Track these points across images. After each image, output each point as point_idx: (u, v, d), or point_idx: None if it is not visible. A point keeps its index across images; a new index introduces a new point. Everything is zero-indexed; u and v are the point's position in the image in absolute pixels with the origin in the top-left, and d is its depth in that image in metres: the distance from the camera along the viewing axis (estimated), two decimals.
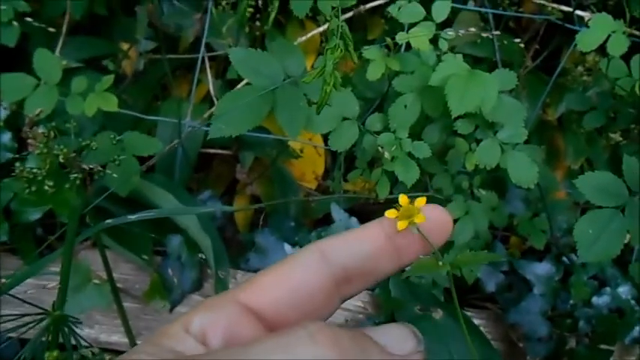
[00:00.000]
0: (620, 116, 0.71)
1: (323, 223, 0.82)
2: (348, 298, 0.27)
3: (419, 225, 0.26)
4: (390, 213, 0.26)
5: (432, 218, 0.26)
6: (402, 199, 0.26)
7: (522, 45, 0.84)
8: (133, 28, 0.84)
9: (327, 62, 0.39)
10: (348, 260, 0.26)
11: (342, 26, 0.39)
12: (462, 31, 0.61)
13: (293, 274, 0.26)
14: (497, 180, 0.81)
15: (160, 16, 0.86)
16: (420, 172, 0.55)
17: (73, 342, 0.44)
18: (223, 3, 0.78)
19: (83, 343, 0.44)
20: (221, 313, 0.25)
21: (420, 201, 0.26)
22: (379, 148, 0.50)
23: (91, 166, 0.44)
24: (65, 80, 0.64)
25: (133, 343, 0.61)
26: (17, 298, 0.46)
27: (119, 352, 0.69)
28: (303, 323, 0.22)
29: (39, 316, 0.43)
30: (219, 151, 0.94)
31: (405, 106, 0.51)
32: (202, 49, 0.73)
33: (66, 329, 0.43)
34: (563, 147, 1.00)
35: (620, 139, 0.90)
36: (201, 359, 0.23)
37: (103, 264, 0.55)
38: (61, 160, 0.44)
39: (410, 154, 0.51)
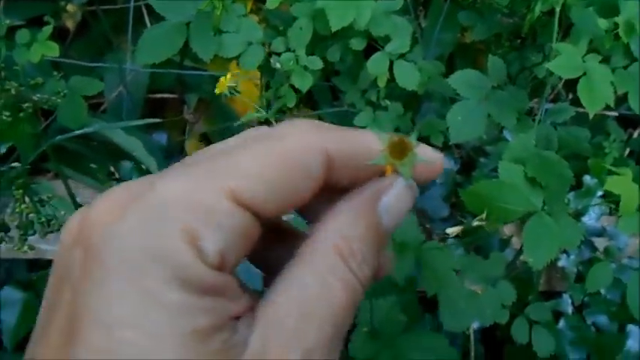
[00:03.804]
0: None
1: None
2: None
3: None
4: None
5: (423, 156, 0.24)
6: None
7: None
8: None
9: None
10: (342, 146, 0.23)
11: None
12: None
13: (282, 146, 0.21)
14: (410, 97, 0.92)
15: None
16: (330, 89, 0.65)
17: None
18: None
19: None
20: (230, 229, 0.19)
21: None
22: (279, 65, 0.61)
23: (40, 95, 0.54)
24: (10, 37, 0.72)
25: None
26: None
27: None
28: None
29: None
30: (167, 96, 1.03)
31: (301, 28, 0.61)
32: None
33: None
34: (486, 66, 1.11)
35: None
36: None
37: (66, 188, 0.65)
38: (13, 93, 0.53)
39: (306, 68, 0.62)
